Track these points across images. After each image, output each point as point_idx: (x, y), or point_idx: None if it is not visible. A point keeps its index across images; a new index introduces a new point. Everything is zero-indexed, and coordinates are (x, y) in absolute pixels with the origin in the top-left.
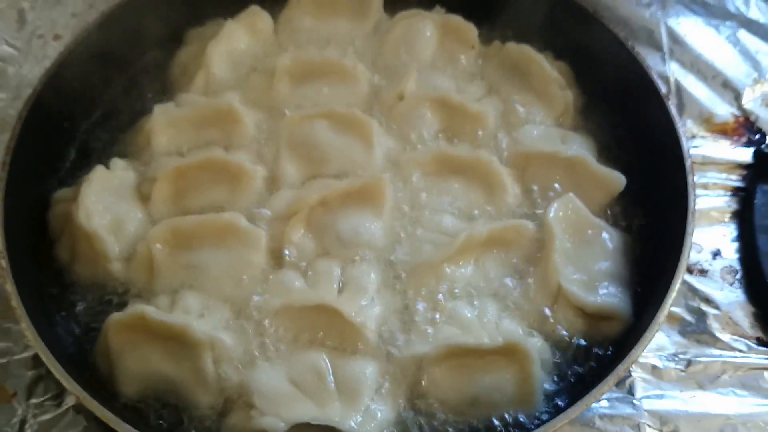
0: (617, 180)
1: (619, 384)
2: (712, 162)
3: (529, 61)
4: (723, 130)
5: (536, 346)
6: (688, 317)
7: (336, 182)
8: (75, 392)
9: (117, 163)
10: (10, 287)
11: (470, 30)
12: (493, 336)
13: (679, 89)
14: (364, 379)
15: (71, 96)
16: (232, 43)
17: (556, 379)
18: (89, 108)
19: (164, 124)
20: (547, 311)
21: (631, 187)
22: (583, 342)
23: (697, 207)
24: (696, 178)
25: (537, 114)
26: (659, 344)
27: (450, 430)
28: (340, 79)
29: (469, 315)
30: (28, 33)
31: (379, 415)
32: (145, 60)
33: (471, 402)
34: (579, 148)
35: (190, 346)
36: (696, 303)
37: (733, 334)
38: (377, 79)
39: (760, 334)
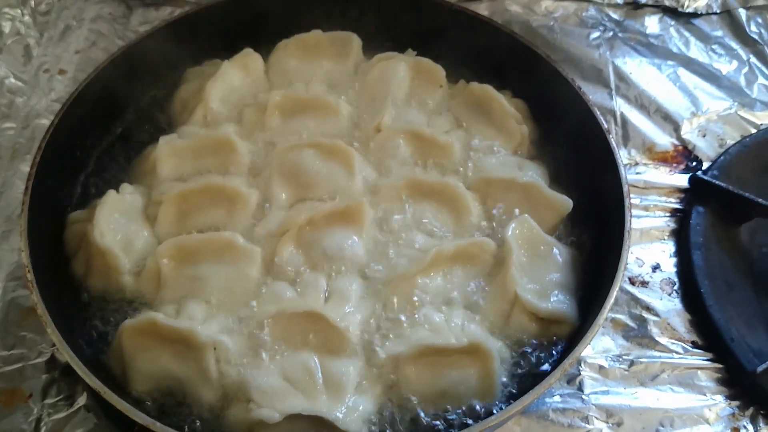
0: (565, 203)
1: (570, 381)
2: (654, 186)
3: (490, 99)
4: (663, 158)
5: (496, 346)
6: (631, 323)
7: (321, 204)
8: (96, 387)
9: (126, 188)
10: (35, 297)
11: (439, 70)
12: (459, 337)
13: (625, 122)
14: (348, 376)
15: (83, 129)
16: (227, 81)
17: (513, 375)
18: (99, 139)
19: (168, 153)
20: (505, 317)
21: (578, 208)
22: (536, 342)
23: (639, 226)
24: (638, 200)
25: (497, 145)
26: (605, 347)
27: (422, 416)
28: (324, 113)
29: (438, 319)
30: (35, 67)
31: (360, 407)
32: (149, 96)
33: (440, 394)
34: (533, 175)
35: (195, 348)
36: (638, 311)
37: (671, 338)
38: (357, 114)
39: (695, 338)
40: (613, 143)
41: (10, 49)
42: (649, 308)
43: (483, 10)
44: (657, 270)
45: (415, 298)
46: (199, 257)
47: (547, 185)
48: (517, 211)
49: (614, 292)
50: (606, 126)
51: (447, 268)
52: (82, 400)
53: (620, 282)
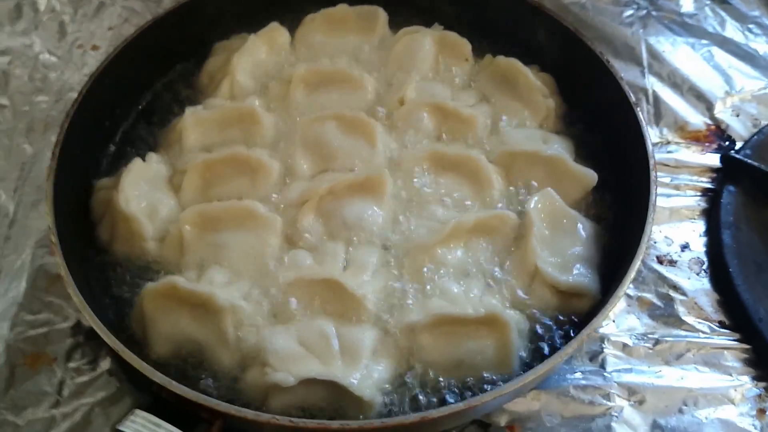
0: (590, 177)
1: (593, 359)
2: (685, 165)
3: (516, 73)
4: (696, 137)
5: (514, 318)
6: (658, 302)
7: (343, 175)
8: (114, 346)
9: (152, 156)
10: (59, 259)
11: (464, 45)
12: (476, 307)
13: (657, 100)
14: (364, 343)
15: (111, 100)
16: (254, 55)
17: (531, 348)
18: (128, 110)
19: (193, 124)
20: (525, 289)
21: (603, 183)
22: (556, 316)
23: (669, 205)
24: (669, 179)
25: (522, 119)
26: (630, 325)
27: (441, 383)
28: (348, 87)
29: (456, 290)
30: (69, 43)
31: (375, 374)
32: (177, 70)
33: (456, 364)
34: (558, 148)
35: (214, 311)
36: (665, 289)
37: (698, 317)
38: (382, 87)
39: (722, 318)
40: (641, 116)
41: (45, 26)
42: (676, 287)
43: None
44: (686, 249)
45: (434, 269)
46: (220, 225)
47: (571, 159)
48: (539, 184)
49: (636, 264)
50: (634, 99)
51: (467, 241)
52: (105, 364)
53: (642, 255)
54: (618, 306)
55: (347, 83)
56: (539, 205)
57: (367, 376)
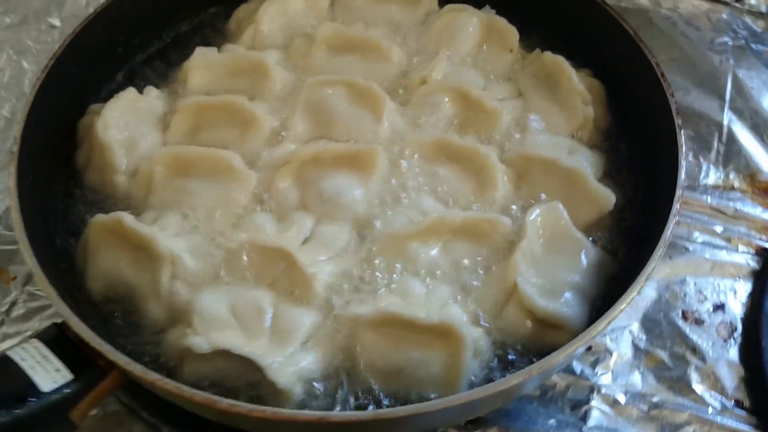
0: (607, 198)
1: (575, 408)
2: (744, 217)
3: (559, 72)
4: (765, 189)
5: (473, 335)
6: (669, 362)
7: (333, 143)
8: (34, 271)
9: (150, 90)
10: (12, 169)
11: (512, 33)
12: (430, 314)
13: (731, 139)
14: (299, 327)
15: (130, 26)
16: (284, 6)
17: (486, 374)
18: (147, 43)
19: (201, 65)
20: (497, 308)
21: (626, 212)
22: (525, 345)
23: (713, 257)
24: (721, 229)
25: (555, 124)
26: (630, 381)
27: (374, 389)
28: (373, 57)
29: (418, 291)
30: None
31: (303, 363)
32: (210, 12)
33: (395, 372)
34: (582, 162)
35: (153, 258)
36: (682, 350)
37: (712, 389)
38: (410, 63)
39: (741, 397)
40: (681, 140)
41: None
42: (695, 350)
43: None
44: (719, 310)
45: (401, 263)
46: (193, 171)
47: (593, 176)
48: (551, 198)
49: (632, 295)
50: (680, 122)
51: (448, 241)
52: None
53: (640, 287)
54: (622, 356)
55: (373, 53)
56: (540, 219)
57: (291, 362)
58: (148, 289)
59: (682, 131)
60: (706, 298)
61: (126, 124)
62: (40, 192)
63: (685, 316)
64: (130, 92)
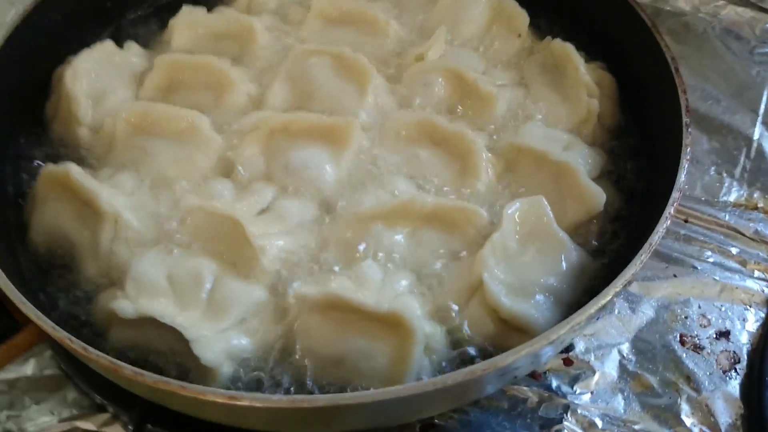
0: (596, 198)
1: (544, 427)
2: (764, 240)
3: (567, 60)
4: None
5: (426, 330)
6: (658, 388)
7: (306, 113)
8: None
9: (131, 46)
10: None
11: (521, 17)
12: (380, 301)
13: (760, 155)
14: (238, 302)
15: None
16: None
17: (438, 373)
18: (141, 2)
19: (186, 24)
20: (459, 303)
21: (620, 215)
22: (484, 346)
23: (724, 280)
24: (736, 250)
25: (556, 116)
26: (611, 405)
27: (308, 377)
28: (370, 31)
29: (373, 276)
30: None
31: (236, 340)
32: None
33: (336, 361)
34: (576, 158)
35: (96, 215)
36: (674, 376)
37: (703, 423)
38: (409, 41)
39: None
40: (687, 139)
41: None
42: (690, 378)
43: None
44: (722, 338)
45: (362, 246)
46: (157, 129)
47: (591, 177)
48: (539, 192)
49: (606, 298)
50: (688, 120)
51: (418, 228)
52: None
53: (615, 291)
54: (605, 376)
55: (370, 26)
56: (520, 213)
57: (222, 338)
58: (88, 247)
59: (689, 130)
60: (709, 323)
61: (98, 77)
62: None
63: (683, 341)
64: (107, 44)
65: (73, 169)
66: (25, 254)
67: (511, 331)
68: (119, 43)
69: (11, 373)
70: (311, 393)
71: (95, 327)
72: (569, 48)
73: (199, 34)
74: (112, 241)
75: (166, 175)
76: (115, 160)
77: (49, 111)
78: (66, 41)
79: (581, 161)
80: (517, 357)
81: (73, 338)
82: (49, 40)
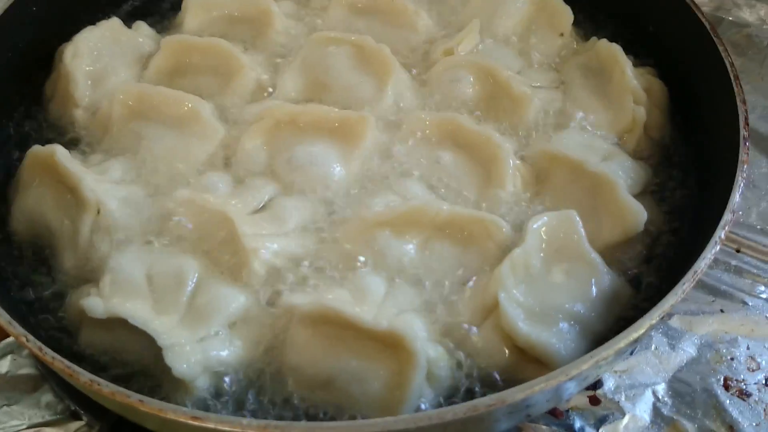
0: (637, 215)
1: None
2: None
3: (613, 64)
4: None
5: (430, 354)
6: None
7: (317, 106)
8: None
9: (140, 26)
10: None
11: (565, 15)
12: (378, 318)
13: None
14: (222, 309)
15: None
16: None
17: (441, 405)
18: None
19: (199, 6)
20: (471, 325)
21: (667, 239)
22: (494, 376)
23: None
24: None
25: (598, 122)
26: None
27: (294, 399)
28: (398, 22)
29: (375, 289)
30: None
31: (215, 351)
32: None
33: (324, 382)
34: (616, 170)
35: (78, 204)
36: (715, 425)
37: None
38: (440, 34)
39: None
40: (745, 157)
41: None
42: (732, 428)
43: (705, 5)
44: None
45: (366, 254)
46: (155, 114)
47: (632, 192)
48: (569, 206)
49: (637, 333)
50: (746, 134)
51: (430, 238)
52: None
53: (650, 324)
54: (636, 420)
55: (398, 17)
56: (547, 228)
57: (199, 349)
58: (68, 238)
59: (747, 144)
60: (758, 366)
61: (99, 56)
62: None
63: (727, 385)
64: (113, 22)
65: (58, 151)
66: (4, 242)
67: (527, 362)
68: (131, 23)
69: None
70: (297, 415)
71: (65, 325)
72: (617, 49)
73: (213, 17)
74: (92, 233)
75: (159, 163)
76: (109, 146)
77: (48, 90)
78: (76, 18)
79: (622, 174)
80: (530, 393)
81: (29, 336)
82: (57, 15)
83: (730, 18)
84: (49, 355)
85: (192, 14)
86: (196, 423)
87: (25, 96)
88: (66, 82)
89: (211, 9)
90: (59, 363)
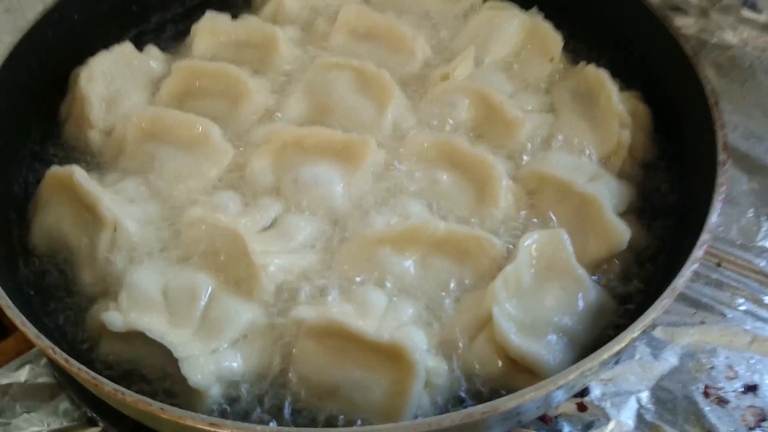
0: (620, 234)
1: None
2: None
3: (599, 87)
4: None
5: (429, 364)
6: None
7: (321, 128)
8: None
9: (151, 50)
10: None
11: (555, 41)
12: (381, 330)
13: None
14: (234, 322)
15: None
16: None
17: (439, 413)
18: (168, 5)
19: (208, 30)
20: (466, 338)
21: (649, 255)
22: (488, 386)
23: (757, 331)
24: None
25: (584, 145)
26: None
27: (303, 406)
28: (396, 47)
29: (377, 303)
30: None
31: (228, 362)
32: None
33: (330, 391)
34: (603, 190)
35: (96, 222)
36: (695, 430)
37: None
38: (436, 60)
39: None
40: (722, 179)
41: None
42: None
43: (689, 28)
44: (750, 392)
45: (368, 270)
46: (167, 137)
47: (617, 212)
48: (559, 225)
49: (621, 345)
50: (723, 157)
51: (428, 254)
52: None
53: (633, 335)
54: (621, 425)
55: (397, 42)
56: (537, 245)
57: (212, 360)
58: (86, 254)
59: (726, 166)
60: (737, 375)
61: (113, 79)
62: (8, 136)
63: (707, 393)
64: (126, 46)
65: (77, 172)
66: (25, 257)
67: (519, 372)
68: (141, 46)
69: (4, 378)
70: (306, 422)
71: (85, 337)
72: (603, 75)
73: (221, 42)
74: (109, 250)
75: (172, 183)
76: (123, 166)
77: (64, 112)
78: (89, 42)
79: (607, 194)
80: (521, 401)
81: (56, 348)
82: (71, 39)
83: (714, 40)
84: (75, 366)
85: (200, 38)
86: (213, 429)
87: (42, 117)
88: (81, 105)
89: (219, 34)
90: (85, 374)
